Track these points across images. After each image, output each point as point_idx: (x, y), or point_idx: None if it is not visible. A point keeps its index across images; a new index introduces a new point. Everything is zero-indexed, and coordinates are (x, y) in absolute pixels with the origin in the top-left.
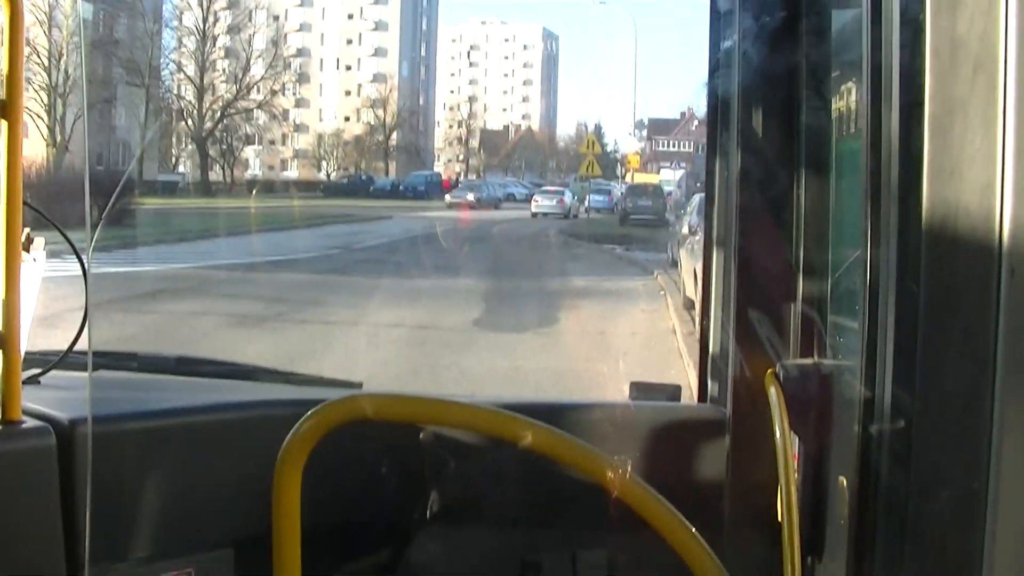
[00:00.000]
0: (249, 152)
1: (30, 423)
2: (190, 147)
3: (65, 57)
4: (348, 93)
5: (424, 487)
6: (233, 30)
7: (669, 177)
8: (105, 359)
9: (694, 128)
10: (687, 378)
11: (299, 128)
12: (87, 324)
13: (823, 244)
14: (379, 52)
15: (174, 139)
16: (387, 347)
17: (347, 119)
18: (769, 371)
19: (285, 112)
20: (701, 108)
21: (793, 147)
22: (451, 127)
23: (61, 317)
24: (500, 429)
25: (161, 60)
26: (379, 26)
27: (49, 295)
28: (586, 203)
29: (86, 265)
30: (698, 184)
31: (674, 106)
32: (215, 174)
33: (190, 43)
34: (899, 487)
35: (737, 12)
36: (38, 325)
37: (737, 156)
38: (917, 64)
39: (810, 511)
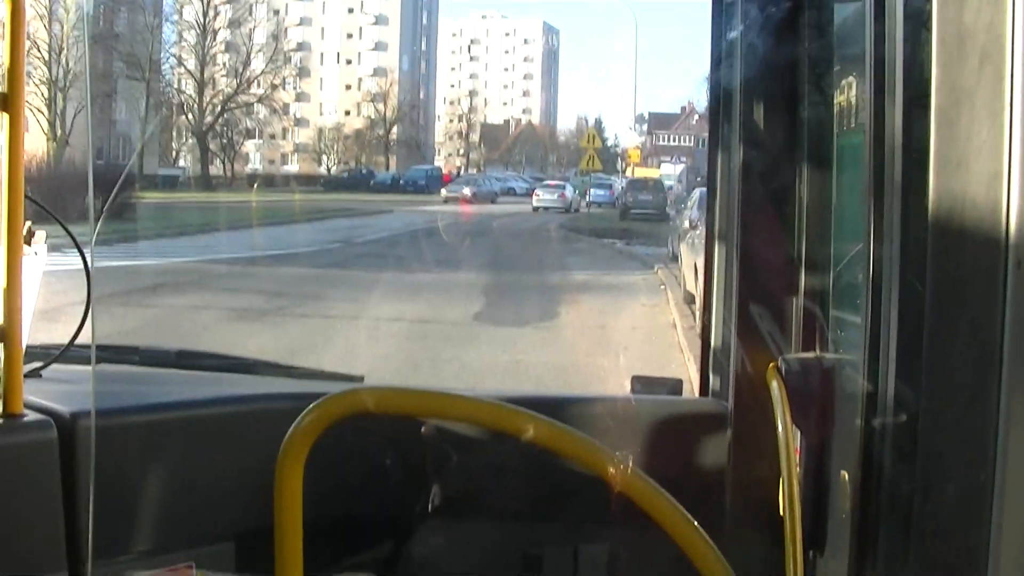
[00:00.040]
0: (249, 146)
1: (32, 416)
2: (190, 141)
3: (66, 51)
4: (348, 87)
5: (426, 481)
6: (233, 24)
7: (669, 172)
8: (106, 353)
9: (695, 123)
10: (687, 372)
11: (299, 122)
12: (90, 318)
13: (825, 238)
14: (379, 46)
15: (174, 133)
16: (388, 341)
17: (347, 113)
18: (771, 365)
19: (285, 106)
20: (702, 103)
21: (795, 141)
22: (451, 121)
23: (62, 311)
24: (502, 422)
25: (161, 54)
26: (379, 20)
27: (50, 289)
28: (587, 198)
29: (88, 259)
30: (699, 179)
31: (675, 100)
32: (216, 168)
33: (190, 37)
34: (902, 481)
35: (739, 5)
36: (39, 319)
37: (739, 150)
38: (921, 56)
39: (812, 505)
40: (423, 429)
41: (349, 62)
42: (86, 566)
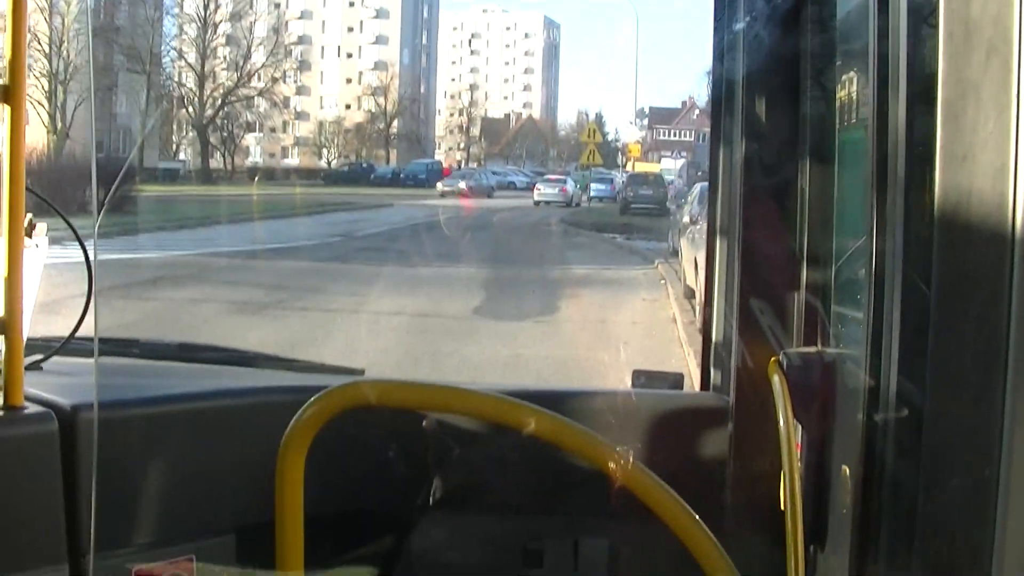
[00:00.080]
0: (250, 139)
1: (32, 409)
2: (191, 134)
3: (66, 44)
4: (349, 81)
5: (427, 474)
6: (234, 17)
7: (670, 166)
8: (107, 345)
9: (695, 117)
10: (687, 367)
11: (300, 116)
12: (93, 310)
13: (827, 232)
14: (380, 40)
15: (175, 126)
16: (388, 335)
17: (348, 107)
18: (772, 359)
19: (286, 100)
20: (702, 97)
21: (797, 135)
22: (452, 115)
23: (62, 304)
24: (504, 416)
25: (162, 47)
26: (380, 14)
27: (50, 282)
28: (589, 192)
29: (89, 252)
30: (699, 173)
31: (675, 95)
32: (216, 161)
33: (191, 30)
34: (904, 477)
35: None
36: (39, 312)
37: (741, 144)
38: (925, 50)
39: (813, 500)
40: (425, 423)
41: (350, 56)
42: (87, 559)
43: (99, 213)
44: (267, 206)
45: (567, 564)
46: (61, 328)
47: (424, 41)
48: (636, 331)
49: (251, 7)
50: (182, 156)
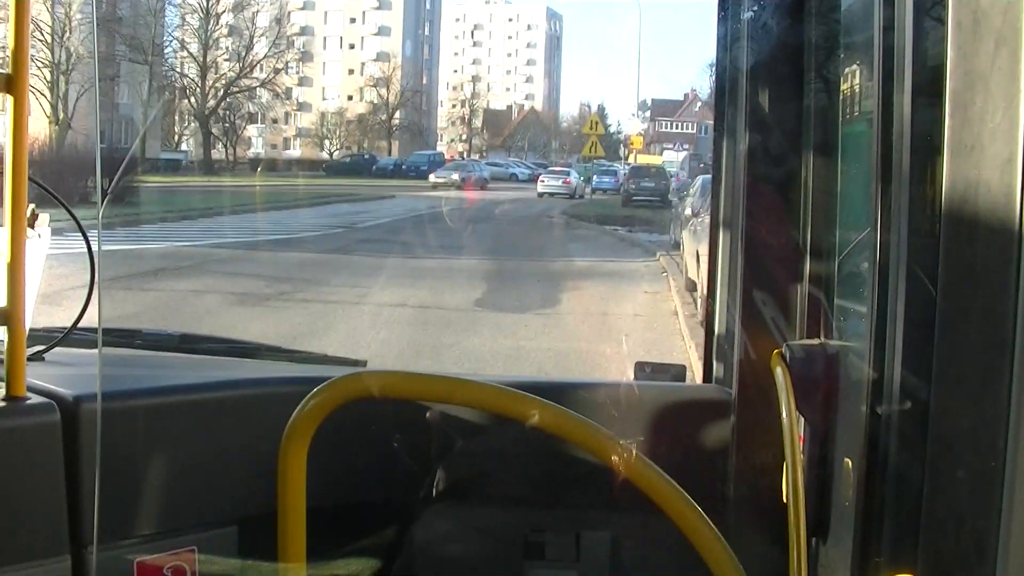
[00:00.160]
0: (252, 130)
1: (34, 399)
2: (193, 125)
3: (68, 34)
4: (351, 72)
5: (430, 466)
6: (236, 8)
7: (672, 158)
8: (109, 336)
9: (697, 109)
10: (689, 360)
11: (302, 107)
12: (97, 300)
13: (830, 225)
14: (382, 31)
15: (177, 117)
16: (390, 327)
17: (350, 98)
18: (775, 352)
19: (288, 91)
20: (705, 89)
21: (801, 127)
22: (454, 107)
23: (64, 295)
24: (506, 407)
25: (164, 38)
26: (382, 4)
27: (52, 273)
28: (592, 183)
29: (92, 242)
30: (701, 165)
31: (678, 87)
32: (218, 152)
33: (193, 21)
34: (906, 469)
35: None
36: (41, 303)
37: (744, 135)
38: (930, 42)
39: (815, 493)
40: (428, 414)
41: (352, 47)
42: (89, 550)
43: (102, 203)
44: (269, 197)
45: (569, 556)
46: (63, 319)
47: (426, 32)
48: (638, 324)
49: None
50: (184, 147)
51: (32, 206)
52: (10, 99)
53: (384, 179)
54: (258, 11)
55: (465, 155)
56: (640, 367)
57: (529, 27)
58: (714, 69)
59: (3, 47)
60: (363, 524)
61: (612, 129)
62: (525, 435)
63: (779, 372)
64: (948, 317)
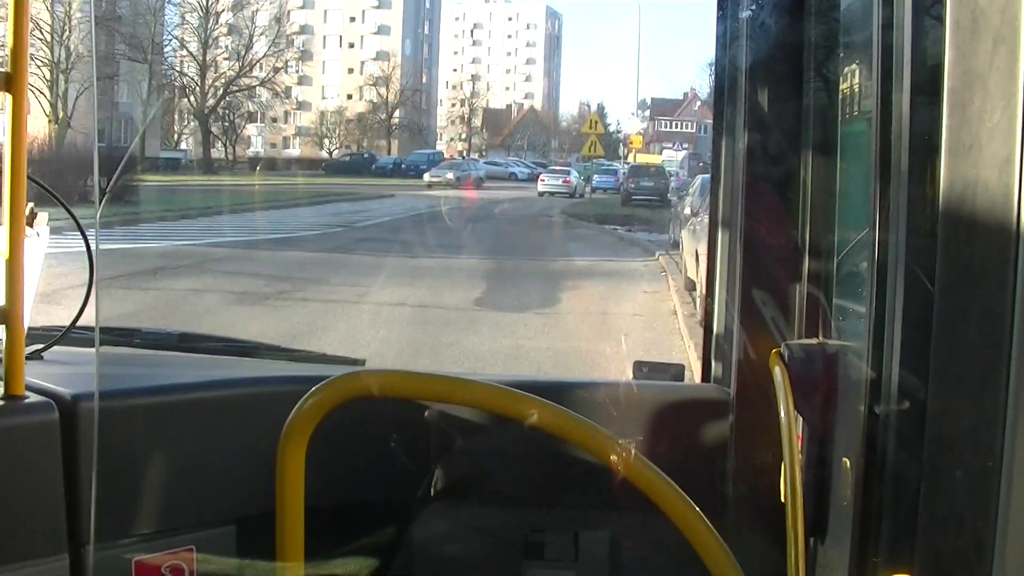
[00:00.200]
0: (251, 129)
1: (33, 398)
2: (192, 124)
3: (68, 33)
4: (351, 71)
5: (429, 466)
6: (236, 7)
7: (671, 158)
8: (108, 335)
9: (697, 109)
10: (688, 359)
11: (301, 106)
12: (94, 299)
13: (829, 224)
14: (382, 30)
15: (177, 116)
16: (389, 326)
17: (349, 97)
18: (773, 351)
19: (287, 89)
20: (704, 89)
21: (800, 126)
22: (454, 106)
23: (63, 294)
24: (505, 407)
25: (164, 36)
26: (382, 3)
27: (51, 272)
28: (592, 182)
29: (90, 241)
30: (700, 164)
31: (677, 86)
32: (217, 151)
33: (193, 19)
34: (905, 469)
35: None
36: (40, 301)
37: (743, 134)
38: (929, 41)
39: (814, 492)
40: (427, 414)
41: (352, 45)
42: (87, 549)
43: (100, 202)
44: (268, 196)
45: (568, 556)
46: (62, 318)
47: (426, 31)
48: (637, 323)
49: None
50: (184, 146)
51: (31, 205)
52: (9, 97)
53: (383, 178)
54: (258, 10)
55: (465, 154)
56: (639, 366)
57: (529, 26)
58: (713, 68)
59: (2, 45)
60: (361, 523)
61: (611, 128)
62: (524, 435)
63: (777, 371)
64: (946, 317)
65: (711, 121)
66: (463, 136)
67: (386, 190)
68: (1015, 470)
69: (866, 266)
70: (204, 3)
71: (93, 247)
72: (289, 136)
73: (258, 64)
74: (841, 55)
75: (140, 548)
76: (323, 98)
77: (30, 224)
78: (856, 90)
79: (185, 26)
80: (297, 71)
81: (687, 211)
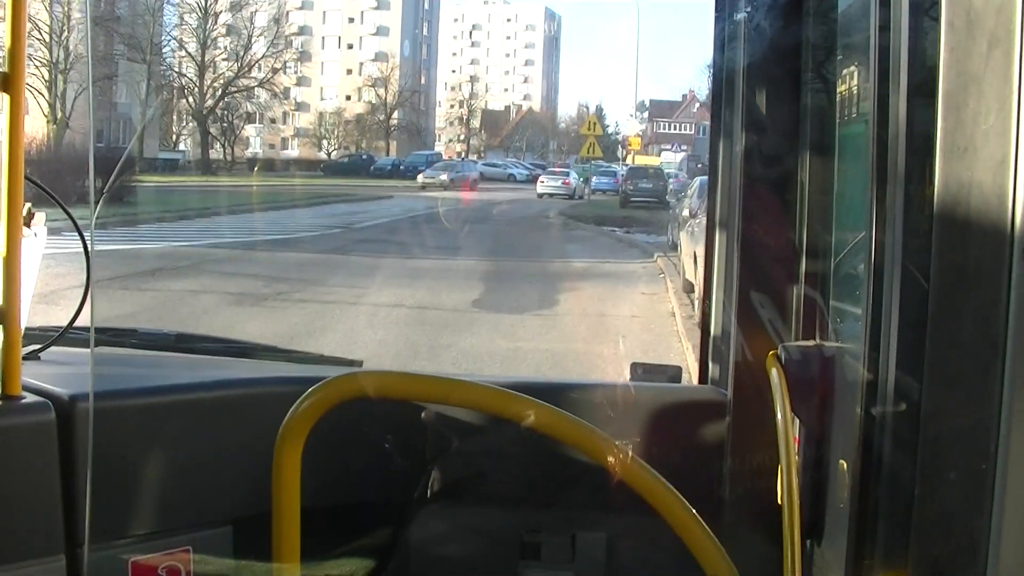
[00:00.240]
0: (250, 130)
1: (30, 398)
2: (191, 125)
3: (67, 33)
4: (349, 72)
5: (425, 467)
6: (234, 7)
7: (670, 159)
8: (105, 335)
9: (695, 110)
10: (686, 361)
11: (300, 107)
12: (89, 300)
13: (826, 226)
14: (381, 31)
15: (175, 117)
16: (387, 327)
17: (348, 98)
18: (771, 353)
19: (286, 90)
20: (703, 90)
21: (798, 128)
22: (452, 107)
23: (60, 294)
24: (502, 408)
25: (162, 37)
26: (381, 5)
27: (49, 272)
28: (591, 184)
29: (87, 241)
30: (699, 166)
31: (676, 88)
32: (216, 152)
33: (191, 20)
34: (901, 471)
35: None
36: (38, 302)
37: (741, 136)
38: (926, 43)
39: (810, 494)
40: (423, 414)
41: (350, 46)
42: (83, 549)
43: (97, 203)
44: (266, 197)
45: (565, 557)
46: (59, 318)
47: (425, 32)
48: (635, 325)
49: None
50: (182, 146)
51: (28, 205)
52: (6, 97)
53: (382, 179)
54: (256, 11)
55: (463, 155)
56: (636, 368)
57: (528, 27)
58: (711, 69)
59: (0, 45)
60: (358, 524)
61: (610, 130)
62: (521, 436)
63: (775, 373)
64: (941, 318)
65: (709, 123)
66: (461, 137)
67: (384, 191)
68: (1009, 472)
69: (863, 268)
70: (203, 4)
71: (89, 247)
72: (287, 137)
73: (257, 65)
74: (839, 57)
75: (137, 549)
76: (322, 99)
77: (27, 224)
78: (854, 92)
79: (184, 27)
80: (296, 72)
81: (685, 213)
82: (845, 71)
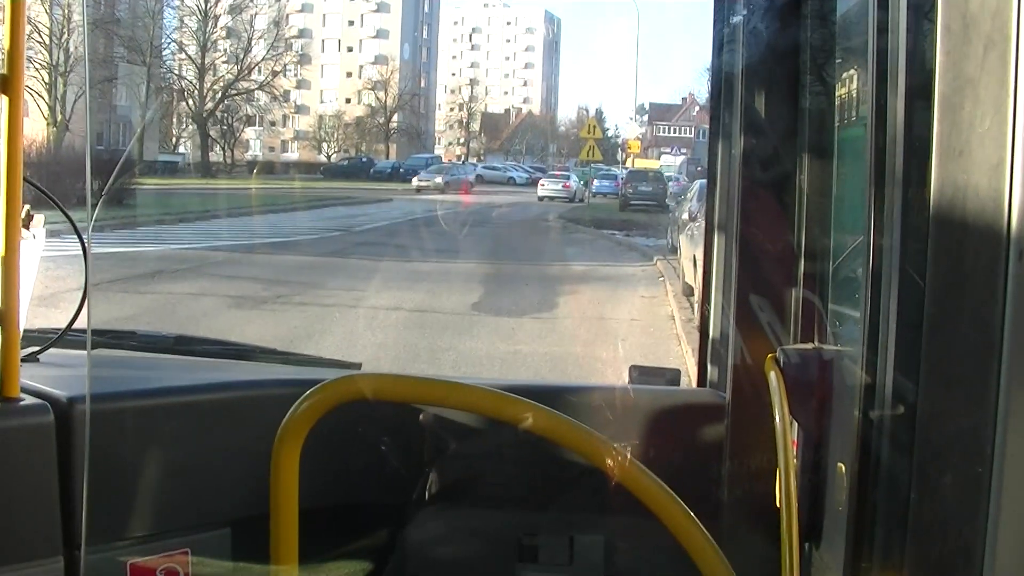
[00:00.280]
0: (250, 133)
1: (28, 400)
2: (191, 127)
3: (67, 36)
4: (349, 75)
5: (423, 469)
6: (234, 10)
7: (670, 162)
8: (104, 337)
9: (695, 114)
10: (686, 365)
11: (300, 109)
12: (86, 302)
13: (825, 229)
14: (380, 34)
15: (175, 119)
16: (386, 330)
17: (348, 101)
18: (769, 356)
19: (286, 93)
20: (703, 93)
21: (797, 131)
22: (452, 110)
23: (60, 297)
24: (499, 411)
25: (162, 39)
26: (381, 7)
27: (48, 275)
28: (591, 188)
29: (86, 243)
30: (699, 169)
31: (675, 91)
32: (216, 155)
33: (191, 23)
34: (899, 474)
35: None
36: (37, 304)
37: (740, 139)
38: (924, 46)
39: (808, 497)
40: (421, 417)
41: (350, 49)
42: (81, 551)
43: (95, 206)
44: (266, 200)
45: (562, 559)
46: (59, 321)
47: (425, 35)
48: (634, 328)
49: (252, 0)
50: (182, 149)
51: (27, 207)
52: (5, 99)
53: (382, 182)
54: (256, 13)
55: (463, 158)
56: (634, 371)
57: (528, 30)
58: (711, 72)
59: None
60: (356, 526)
61: (610, 133)
62: (519, 438)
63: (773, 376)
64: (937, 321)
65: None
66: (461, 140)
67: (384, 194)
68: (1006, 474)
69: (862, 271)
70: (203, 6)
71: (87, 248)
72: (287, 140)
73: (256, 68)
74: (838, 60)
75: (135, 551)
76: (321, 102)
77: (26, 226)
78: (853, 95)
79: (184, 29)
80: (296, 75)
81: (685, 216)
82: (844, 74)
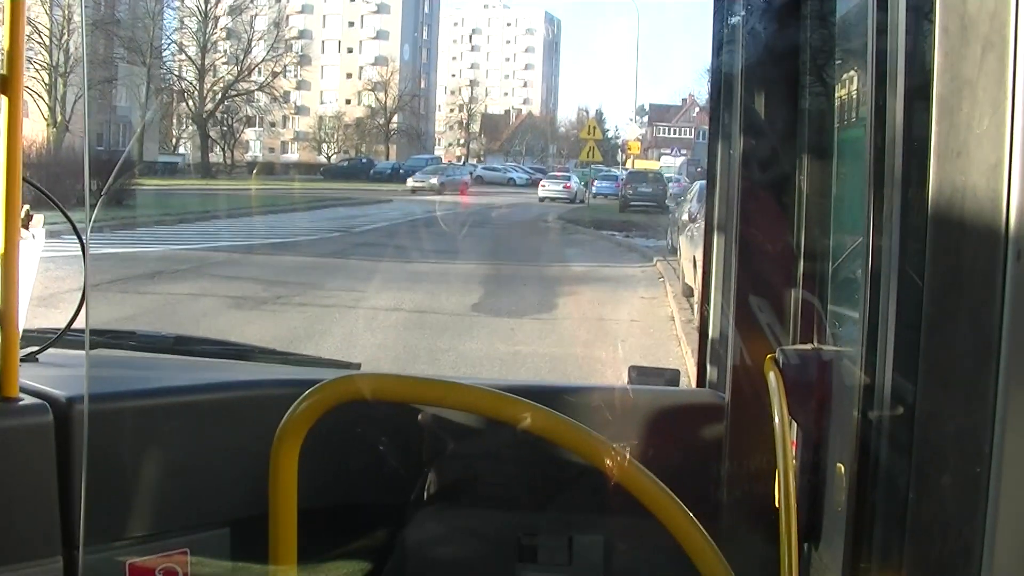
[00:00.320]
0: (250, 134)
1: (27, 400)
2: (191, 128)
3: (66, 36)
4: (349, 76)
5: (422, 469)
6: (234, 11)
7: (670, 163)
8: (103, 337)
9: (695, 115)
10: (685, 365)
11: (300, 110)
12: (85, 302)
13: (824, 230)
14: (380, 35)
15: (175, 120)
16: (386, 330)
17: (348, 102)
18: (768, 357)
19: (286, 94)
20: (702, 95)
21: (796, 132)
22: (452, 111)
23: (60, 297)
24: (498, 411)
25: (162, 40)
26: (381, 8)
27: (48, 275)
28: (592, 188)
29: (85, 243)
30: (699, 170)
31: (675, 92)
32: (215, 155)
33: (192, 24)
34: (898, 474)
35: None
36: (36, 304)
37: (739, 140)
38: (923, 47)
39: (807, 498)
40: (420, 417)
41: (350, 50)
42: (80, 551)
43: (93, 206)
44: (266, 201)
45: (562, 559)
46: (58, 321)
47: (425, 36)
48: (634, 329)
49: (252, 1)
50: (182, 150)
51: (27, 207)
52: (5, 100)
53: (381, 183)
54: (256, 14)
55: (463, 159)
56: (634, 371)
57: (528, 31)
58: (711, 74)
59: None
60: (355, 526)
61: (610, 134)
62: (518, 439)
63: (772, 377)
64: (936, 322)
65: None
66: (461, 141)
67: (384, 195)
68: (1004, 474)
69: (861, 272)
70: (203, 7)
71: (86, 248)
72: (287, 141)
73: (256, 69)
74: (837, 61)
75: (134, 550)
76: (321, 103)
77: (26, 226)
78: (852, 96)
79: (184, 30)
80: (296, 76)
81: (685, 217)
82: (843, 75)
